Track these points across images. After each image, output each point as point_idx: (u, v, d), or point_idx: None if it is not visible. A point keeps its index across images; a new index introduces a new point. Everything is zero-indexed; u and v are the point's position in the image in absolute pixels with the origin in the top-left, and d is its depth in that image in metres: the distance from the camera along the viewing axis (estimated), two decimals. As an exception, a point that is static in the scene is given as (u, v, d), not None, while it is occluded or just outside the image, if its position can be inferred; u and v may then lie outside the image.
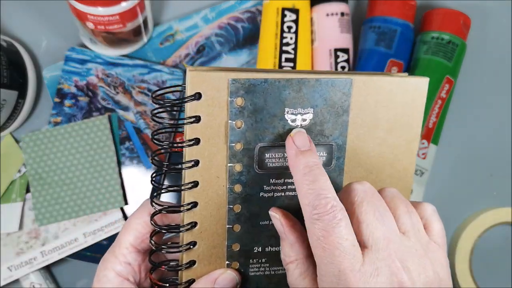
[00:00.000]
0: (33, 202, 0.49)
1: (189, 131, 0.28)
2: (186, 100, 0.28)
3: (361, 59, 0.51)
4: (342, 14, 0.51)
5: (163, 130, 0.30)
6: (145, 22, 0.49)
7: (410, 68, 0.52)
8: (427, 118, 0.50)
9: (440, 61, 0.50)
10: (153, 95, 0.29)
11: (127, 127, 0.51)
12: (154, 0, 0.53)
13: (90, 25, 0.45)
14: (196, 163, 0.29)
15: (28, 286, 0.49)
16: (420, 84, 0.32)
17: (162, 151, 0.30)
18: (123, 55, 0.52)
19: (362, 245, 0.26)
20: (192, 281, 0.30)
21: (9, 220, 0.49)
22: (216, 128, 0.29)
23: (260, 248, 0.32)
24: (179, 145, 0.29)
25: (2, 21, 0.52)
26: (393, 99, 0.31)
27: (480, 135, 0.55)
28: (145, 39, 0.52)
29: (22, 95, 0.49)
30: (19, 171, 0.50)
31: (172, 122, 0.30)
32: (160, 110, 0.29)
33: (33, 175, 0.49)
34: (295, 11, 0.50)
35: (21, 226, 0.49)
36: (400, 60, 0.50)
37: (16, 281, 0.50)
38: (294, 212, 0.30)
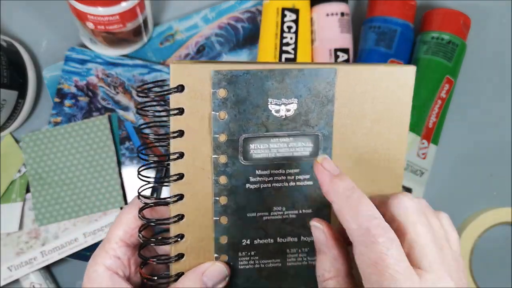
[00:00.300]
0: (33, 202, 0.49)
1: (173, 123, 0.28)
2: (168, 92, 0.28)
3: (361, 59, 0.51)
4: (342, 14, 0.51)
5: (146, 125, 0.31)
6: (145, 22, 0.49)
7: (410, 68, 0.52)
8: (427, 118, 0.50)
9: (440, 61, 0.50)
10: (137, 89, 0.29)
11: (127, 127, 0.51)
12: (154, 0, 0.53)
13: (90, 25, 0.45)
14: (181, 155, 0.29)
15: (28, 286, 0.49)
16: (406, 73, 0.31)
17: (150, 144, 0.31)
18: (123, 55, 0.52)
19: (415, 266, 0.25)
20: (181, 274, 0.30)
21: (9, 220, 0.49)
22: (200, 119, 0.29)
23: (248, 240, 0.31)
24: (164, 137, 0.29)
25: (2, 21, 0.52)
26: (380, 89, 0.31)
27: (480, 135, 0.55)
28: (145, 39, 0.52)
29: (22, 95, 0.49)
30: (19, 171, 0.50)
31: (156, 115, 0.30)
32: (148, 104, 0.29)
33: (33, 175, 0.49)
34: (295, 11, 0.50)
35: (21, 226, 0.49)
36: (400, 60, 0.50)
37: (16, 281, 0.50)
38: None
